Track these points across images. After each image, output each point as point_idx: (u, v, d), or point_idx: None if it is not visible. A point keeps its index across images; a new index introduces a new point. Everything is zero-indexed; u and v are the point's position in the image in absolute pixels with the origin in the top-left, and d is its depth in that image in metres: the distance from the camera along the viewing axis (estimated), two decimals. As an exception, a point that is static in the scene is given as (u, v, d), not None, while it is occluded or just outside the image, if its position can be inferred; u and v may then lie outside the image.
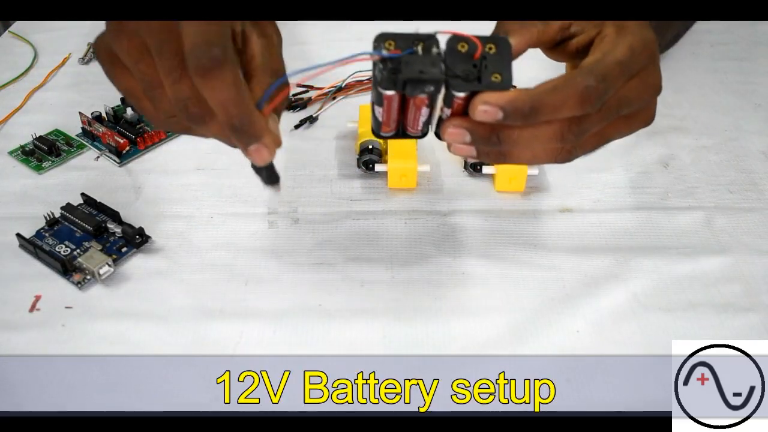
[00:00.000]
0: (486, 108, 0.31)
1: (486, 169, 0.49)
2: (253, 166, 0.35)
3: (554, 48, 0.36)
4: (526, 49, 0.34)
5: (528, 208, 0.47)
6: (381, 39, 0.31)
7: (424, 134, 0.36)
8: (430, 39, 0.31)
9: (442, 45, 0.31)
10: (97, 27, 0.70)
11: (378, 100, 0.32)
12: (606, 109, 0.33)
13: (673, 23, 0.51)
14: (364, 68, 0.57)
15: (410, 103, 0.33)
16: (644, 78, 0.34)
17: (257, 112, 0.31)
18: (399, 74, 0.30)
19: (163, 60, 0.30)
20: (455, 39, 0.31)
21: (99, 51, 0.34)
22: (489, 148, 0.33)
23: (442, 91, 0.32)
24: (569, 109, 0.32)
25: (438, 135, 0.35)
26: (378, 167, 0.49)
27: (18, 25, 0.71)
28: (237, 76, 0.30)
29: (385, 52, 0.31)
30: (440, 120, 0.34)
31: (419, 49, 0.31)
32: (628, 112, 0.34)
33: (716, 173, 0.50)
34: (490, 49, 0.32)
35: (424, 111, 0.33)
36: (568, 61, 0.37)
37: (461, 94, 0.31)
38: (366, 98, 0.59)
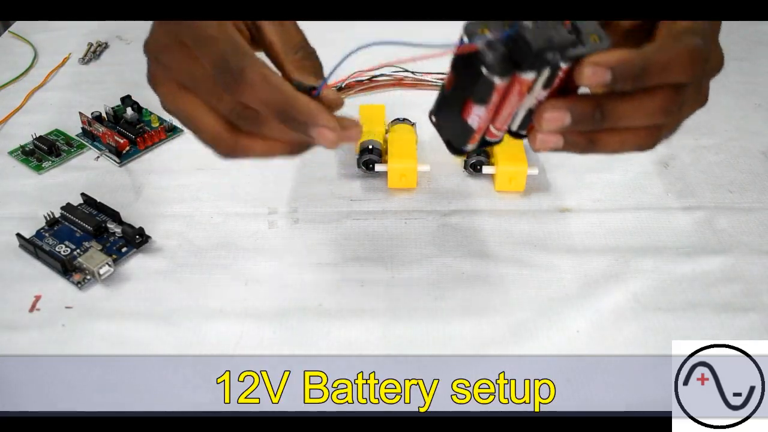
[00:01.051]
0: (595, 69, 0.29)
1: (486, 169, 0.49)
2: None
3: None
4: None
5: (528, 208, 0.47)
6: (473, 26, 0.28)
7: (502, 137, 0.34)
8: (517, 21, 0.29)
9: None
10: (98, 27, 0.70)
11: (484, 97, 0.30)
12: (699, 81, 0.32)
13: None
14: (364, 68, 0.57)
15: (514, 91, 0.30)
16: (716, 50, 0.33)
17: (300, 94, 0.31)
18: (525, 50, 0.28)
19: (201, 89, 0.32)
20: None
21: (168, 110, 0.35)
22: (588, 127, 0.31)
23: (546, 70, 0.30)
24: (679, 70, 0.30)
25: (516, 133, 0.33)
26: (378, 167, 0.49)
27: (18, 25, 0.71)
28: (262, 73, 0.30)
29: (490, 36, 0.28)
30: (528, 113, 0.32)
31: (525, 23, 0.28)
32: (701, 89, 0.33)
33: (716, 173, 0.50)
34: None
35: (525, 101, 0.31)
36: (615, 42, 0.36)
37: (566, 65, 0.29)
38: (365, 98, 0.58)
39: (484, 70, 0.29)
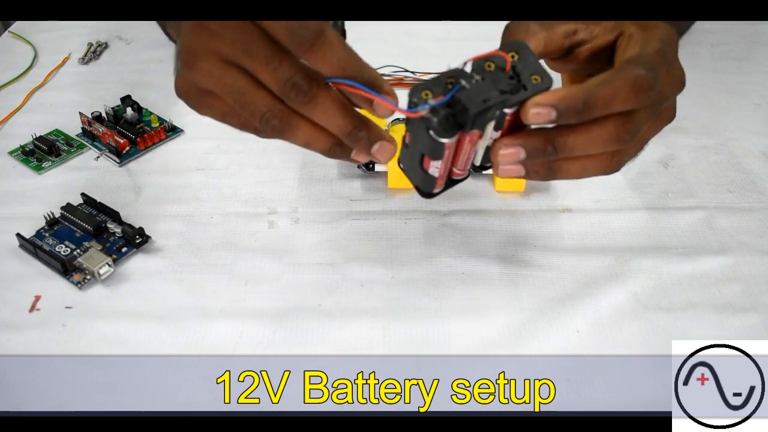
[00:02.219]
0: (538, 110, 0.30)
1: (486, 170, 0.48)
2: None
3: (561, 57, 0.36)
4: None
5: (528, 208, 0.47)
6: (417, 92, 0.30)
7: (468, 173, 0.36)
8: (461, 72, 0.30)
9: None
10: (97, 27, 0.70)
11: (436, 154, 0.32)
12: (652, 105, 0.32)
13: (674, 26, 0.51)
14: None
15: (465, 141, 0.32)
16: (672, 71, 0.34)
17: (367, 63, 0.31)
18: (464, 114, 0.30)
19: (255, 58, 0.30)
20: (481, 60, 0.31)
21: (183, 92, 0.33)
22: (543, 159, 0.32)
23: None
24: (622, 100, 0.31)
25: (481, 167, 0.35)
26: (378, 167, 0.49)
27: (18, 25, 0.71)
28: (338, 36, 0.30)
29: (432, 101, 0.30)
30: (488, 149, 0.33)
31: (464, 83, 0.30)
32: (663, 107, 0.34)
33: (716, 173, 0.50)
34: (513, 56, 0.31)
35: (479, 144, 0.33)
36: (578, 69, 0.37)
37: (512, 110, 0.31)
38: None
39: (431, 133, 0.30)
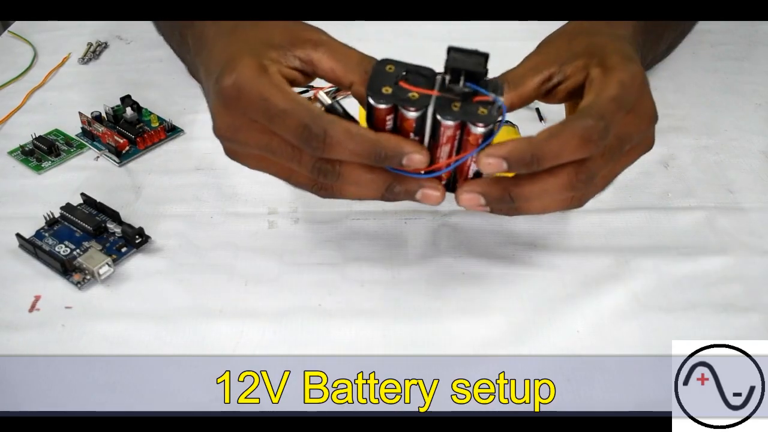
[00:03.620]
0: (490, 161, 0.32)
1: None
2: None
3: (543, 97, 0.37)
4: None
5: (528, 208, 0.47)
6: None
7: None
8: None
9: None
10: (97, 27, 0.70)
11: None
12: (609, 151, 0.34)
13: (664, 35, 0.52)
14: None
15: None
16: (639, 110, 0.35)
17: (381, 134, 0.33)
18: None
19: (280, 156, 0.34)
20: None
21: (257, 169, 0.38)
22: (502, 206, 0.35)
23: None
24: (571, 152, 0.32)
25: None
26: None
27: (18, 25, 0.71)
28: (344, 128, 0.32)
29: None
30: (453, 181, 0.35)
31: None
32: (630, 146, 0.35)
33: (716, 173, 0.50)
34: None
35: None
36: (565, 103, 0.38)
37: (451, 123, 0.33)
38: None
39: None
